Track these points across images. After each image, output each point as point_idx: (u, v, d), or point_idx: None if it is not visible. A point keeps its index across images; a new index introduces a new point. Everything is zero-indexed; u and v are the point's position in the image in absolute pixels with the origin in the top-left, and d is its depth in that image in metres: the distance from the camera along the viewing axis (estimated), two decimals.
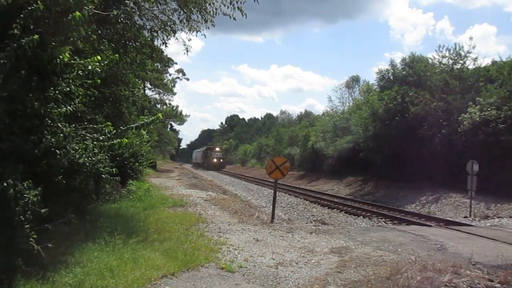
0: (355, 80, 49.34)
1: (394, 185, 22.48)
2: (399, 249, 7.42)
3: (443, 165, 19.83)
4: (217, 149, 65.25)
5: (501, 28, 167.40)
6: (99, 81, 6.28)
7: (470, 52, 22.56)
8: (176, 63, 53.10)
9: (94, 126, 6.52)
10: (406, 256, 6.65)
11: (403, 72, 26.21)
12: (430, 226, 12.20)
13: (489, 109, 18.54)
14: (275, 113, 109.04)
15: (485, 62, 23.47)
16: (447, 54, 23.33)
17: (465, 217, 15.21)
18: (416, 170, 21.48)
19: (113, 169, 6.70)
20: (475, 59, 22.61)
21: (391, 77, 27.44)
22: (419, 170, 21.34)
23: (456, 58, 22.94)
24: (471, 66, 22.69)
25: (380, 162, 24.44)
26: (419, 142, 21.54)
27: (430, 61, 25.32)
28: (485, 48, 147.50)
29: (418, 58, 26.55)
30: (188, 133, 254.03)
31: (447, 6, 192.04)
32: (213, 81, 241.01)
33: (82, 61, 5.73)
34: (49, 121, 5.15)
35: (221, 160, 62.55)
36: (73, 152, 5.62)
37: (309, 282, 5.43)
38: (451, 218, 14.83)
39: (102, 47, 8.73)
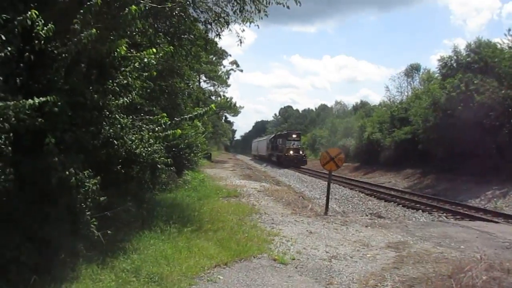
0: (415, 68, 47.38)
1: (456, 179, 21.25)
2: (462, 246, 6.99)
3: None
4: (294, 135, 42.36)
5: None
6: (155, 73, 6.46)
7: None
8: (230, 55, 53.65)
9: (150, 117, 6.70)
10: (470, 253, 6.27)
11: (468, 59, 24.53)
12: (498, 222, 11.40)
13: None
14: (329, 103, 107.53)
15: None
16: None
17: None
18: (481, 163, 20.12)
19: (168, 160, 6.88)
20: None
21: (454, 64, 25.79)
22: (484, 163, 19.97)
23: None
24: None
25: (441, 154, 23.21)
26: (484, 133, 20.18)
27: (499, 46, 23.54)
28: None
29: (485, 43, 24.66)
30: (242, 125, 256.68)
31: None
32: (266, 72, 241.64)
33: (138, 54, 5.88)
34: (108, 113, 5.34)
35: (300, 152, 41.40)
36: (130, 142, 5.82)
37: (364, 277, 5.26)
38: None
39: (158, 41, 8.95)
